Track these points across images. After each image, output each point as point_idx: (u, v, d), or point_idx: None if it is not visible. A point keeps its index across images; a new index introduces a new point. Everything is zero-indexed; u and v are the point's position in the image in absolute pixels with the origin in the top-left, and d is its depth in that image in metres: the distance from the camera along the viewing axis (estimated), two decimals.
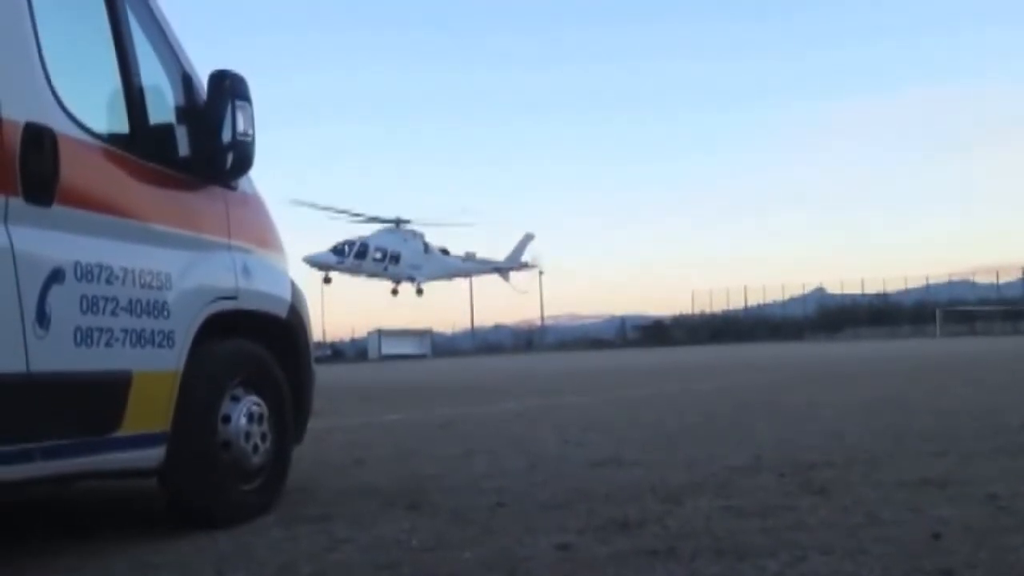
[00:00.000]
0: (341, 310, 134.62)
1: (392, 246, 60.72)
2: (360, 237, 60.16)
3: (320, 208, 58.06)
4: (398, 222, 61.66)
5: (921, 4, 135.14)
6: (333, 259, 59.08)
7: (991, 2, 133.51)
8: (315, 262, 58.54)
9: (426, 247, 62.93)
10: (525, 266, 67.30)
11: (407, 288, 63.94)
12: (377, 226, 61.61)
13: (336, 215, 58.71)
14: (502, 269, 66.50)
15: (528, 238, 67.14)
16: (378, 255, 59.98)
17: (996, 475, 5.42)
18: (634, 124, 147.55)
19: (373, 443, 8.42)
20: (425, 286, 64.15)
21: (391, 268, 60.81)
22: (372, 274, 60.92)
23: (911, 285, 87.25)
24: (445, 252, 64.36)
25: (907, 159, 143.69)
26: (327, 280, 60.27)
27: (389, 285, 63.91)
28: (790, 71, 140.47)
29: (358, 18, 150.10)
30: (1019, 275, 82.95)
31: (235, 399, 4.67)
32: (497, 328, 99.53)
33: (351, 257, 59.17)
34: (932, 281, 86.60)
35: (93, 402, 3.91)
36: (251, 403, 4.74)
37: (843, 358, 29.58)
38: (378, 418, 11.63)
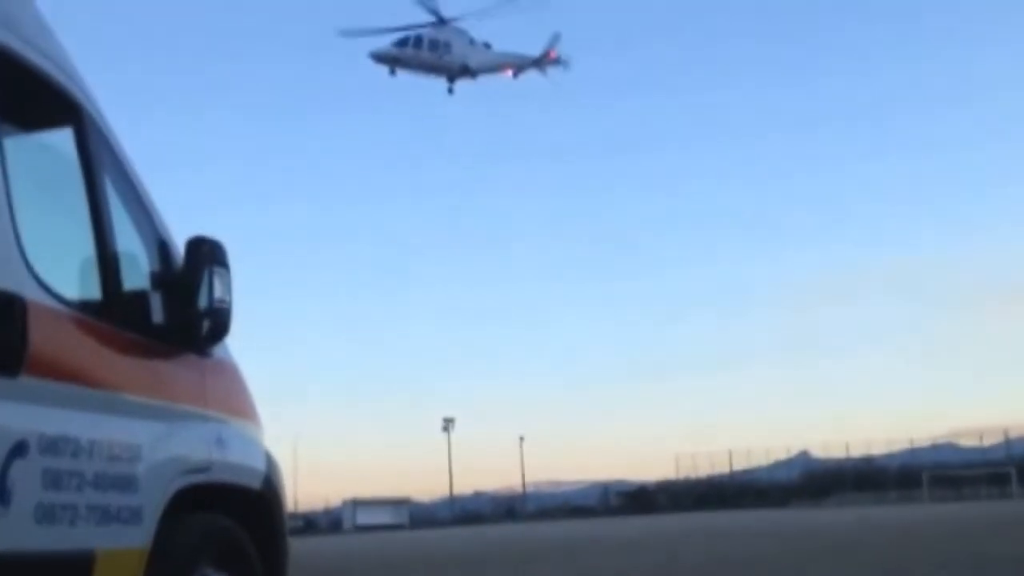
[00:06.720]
0: (314, 479, 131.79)
1: (443, 36, 68.09)
2: (414, 32, 67.11)
3: (368, 32, 65.61)
4: (442, 20, 68.26)
5: (873, 175, 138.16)
6: (395, 50, 66.03)
7: (945, 177, 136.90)
8: (380, 55, 65.74)
9: (471, 40, 69.75)
10: (557, 61, 71.74)
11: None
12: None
13: (382, 33, 65.92)
14: (539, 62, 71.33)
15: (556, 37, 72.08)
16: (432, 44, 67.32)
17: None
18: (611, 285, 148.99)
19: None
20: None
21: (445, 57, 67.85)
22: (430, 65, 67.72)
23: (895, 448, 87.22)
24: (488, 46, 70.81)
25: (886, 322, 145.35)
26: (392, 72, 66.96)
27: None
28: (762, 231, 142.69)
29: None
30: (1002, 437, 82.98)
31: None
32: (477, 495, 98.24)
33: (410, 47, 66.44)
34: (916, 444, 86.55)
35: None
36: None
37: (832, 527, 29.08)
38: None
